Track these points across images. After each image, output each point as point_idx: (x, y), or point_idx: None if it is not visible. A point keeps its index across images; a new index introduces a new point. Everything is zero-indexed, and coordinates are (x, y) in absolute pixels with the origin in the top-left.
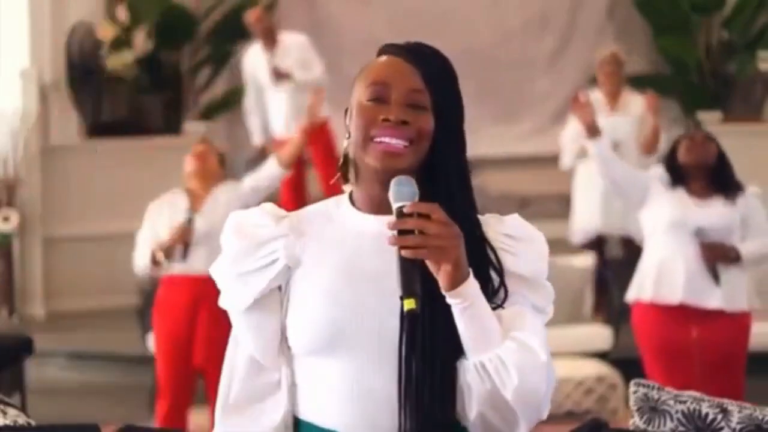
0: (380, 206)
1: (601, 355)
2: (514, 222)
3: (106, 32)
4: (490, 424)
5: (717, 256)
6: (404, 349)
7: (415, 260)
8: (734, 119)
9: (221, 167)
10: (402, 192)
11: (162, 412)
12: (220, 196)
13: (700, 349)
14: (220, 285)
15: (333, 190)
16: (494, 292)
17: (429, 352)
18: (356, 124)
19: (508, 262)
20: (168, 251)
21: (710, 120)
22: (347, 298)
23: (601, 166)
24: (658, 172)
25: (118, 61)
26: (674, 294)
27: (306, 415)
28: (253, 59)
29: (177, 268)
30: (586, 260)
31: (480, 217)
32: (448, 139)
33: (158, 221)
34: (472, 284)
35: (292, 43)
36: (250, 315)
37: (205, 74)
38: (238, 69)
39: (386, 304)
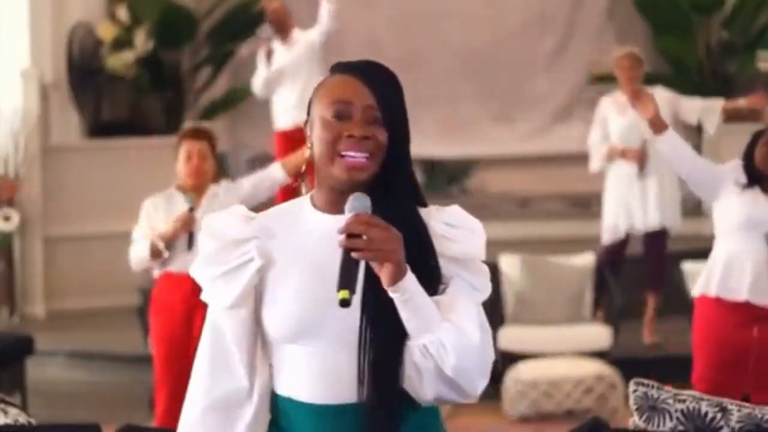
0: (340, 207)
1: (601, 355)
2: (454, 212)
3: (106, 32)
4: (441, 394)
5: None
6: (363, 334)
7: (357, 261)
8: (734, 119)
9: (217, 165)
10: (356, 206)
11: (161, 410)
12: (218, 194)
13: (760, 348)
14: (201, 284)
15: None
16: (437, 278)
17: (381, 335)
18: (322, 138)
19: (447, 247)
20: (169, 241)
21: None
22: (314, 294)
23: (670, 161)
24: (734, 166)
25: (118, 61)
26: (740, 292)
27: (283, 391)
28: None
29: (175, 266)
30: (586, 260)
31: (424, 209)
32: (398, 149)
33: (154, 217)
34: (409, 280)
35: (302, 40)
36: (233, 310)
37: (205, 74)
38: (238, 69)
39: None
